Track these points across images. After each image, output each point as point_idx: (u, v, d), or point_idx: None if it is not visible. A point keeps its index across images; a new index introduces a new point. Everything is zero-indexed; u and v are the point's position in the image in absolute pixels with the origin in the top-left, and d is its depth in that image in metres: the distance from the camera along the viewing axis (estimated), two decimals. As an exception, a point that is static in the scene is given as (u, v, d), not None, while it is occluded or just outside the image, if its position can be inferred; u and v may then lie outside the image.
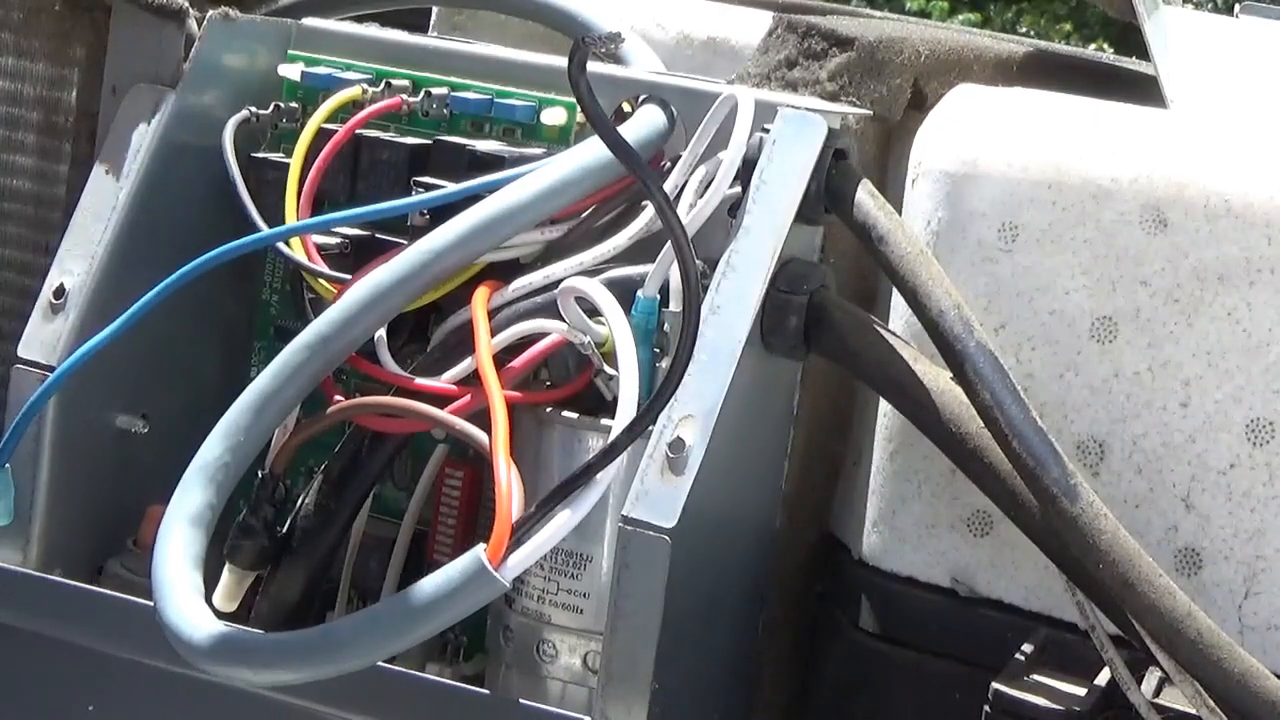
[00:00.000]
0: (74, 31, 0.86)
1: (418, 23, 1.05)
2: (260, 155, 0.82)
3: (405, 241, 0.74)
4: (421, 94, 0.80)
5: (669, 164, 0.75)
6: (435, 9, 1.09)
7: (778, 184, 0.72)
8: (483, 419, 0.69)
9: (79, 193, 0.81)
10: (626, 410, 0.67)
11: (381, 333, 0.74)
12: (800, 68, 0.81)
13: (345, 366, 0.73)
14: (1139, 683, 0.68)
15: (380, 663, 0.66)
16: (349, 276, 0.74)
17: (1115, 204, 0.73)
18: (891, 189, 0.79)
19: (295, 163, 0.79)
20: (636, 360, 0.68)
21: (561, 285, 0.72)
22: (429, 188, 0.77)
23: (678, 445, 0.67)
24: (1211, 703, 0.65)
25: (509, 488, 0.64)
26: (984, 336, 0.68)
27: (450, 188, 0.75)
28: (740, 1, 1.05)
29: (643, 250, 0.73)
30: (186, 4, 0.83)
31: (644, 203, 0.74)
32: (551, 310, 0.72)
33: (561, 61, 0.66)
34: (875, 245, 0.71)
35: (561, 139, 0.78)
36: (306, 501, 0.75)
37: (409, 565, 0.78)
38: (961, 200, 0.75)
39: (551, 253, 0.75)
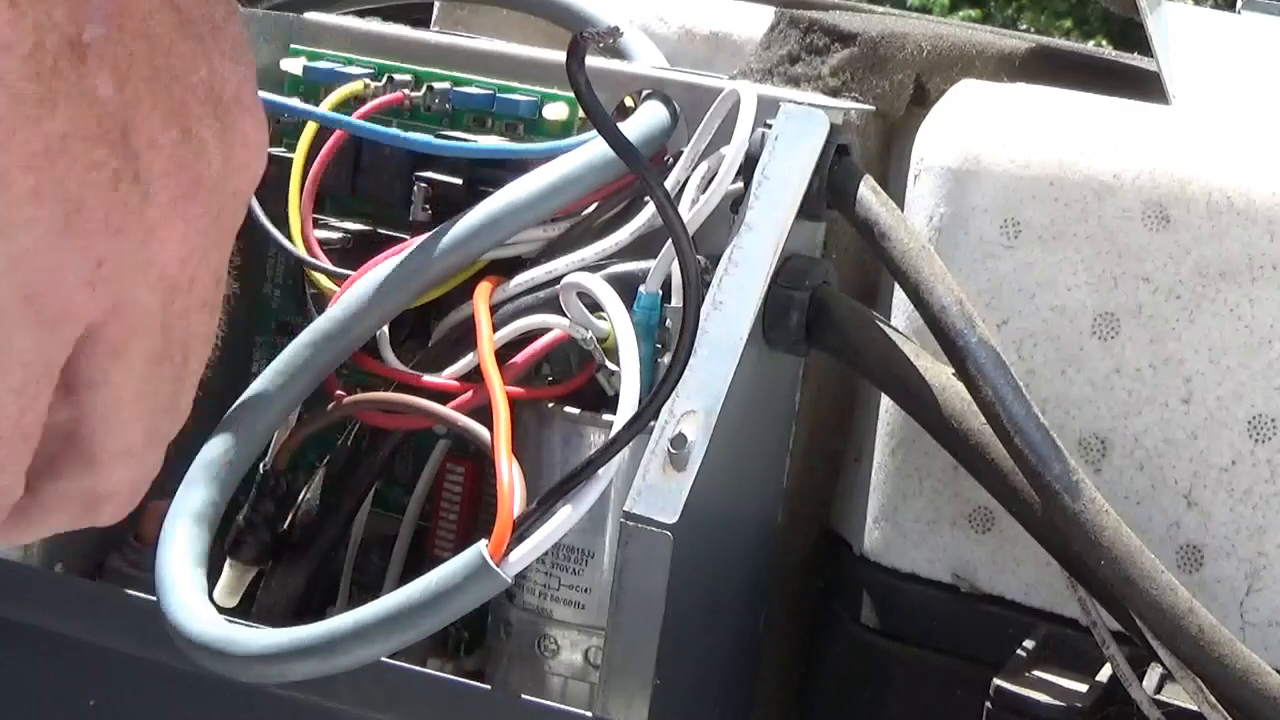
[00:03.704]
0: None
1: (420, 17, 1.05)
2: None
3: (407, 237, 0.74)
4: (424, 89, 0.80)
5: (671, 160, 0.75)
6: (437, 4, 1.09)
7: (780, 180, 0.72)
8: (484, 415, 0.69)
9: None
10: (628, 405, 0.67)
11: (384, 328, 0.74)
12: (802, 63, 0.81)
13: (347, 362, 0.73)
14: (1140, 679, 0.68)
15: (382, 658, 0.66)
16: (351, 272, 0.74)
17: (1117, 200, 0.73)
18: (893, 185, 0.79)
19: (298, 158, 0.79)
20: (638, 356, 0.68)
21: (563, 281, 0.71)
22: (431, 183, 0.77)
23: (679, 441, 0.67)
24: (1213, 699, 0.65)
25: (511, 483, 0.64)
26: (986, 333, 0.67)
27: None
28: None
29: (645, 246, 0.73)
30: None
31: (646, 198, 0.74)
32: (553, 306, 0.72)
33: (564, 56, 0.66)
34: (877, 241, 0.71)
35: (564, 134, 0.78)
36: (308, 497, 0.75)
37: (410, 561, 0.78)
38: (963, 196, 0.75)
39: (553, 248, 0.75)
